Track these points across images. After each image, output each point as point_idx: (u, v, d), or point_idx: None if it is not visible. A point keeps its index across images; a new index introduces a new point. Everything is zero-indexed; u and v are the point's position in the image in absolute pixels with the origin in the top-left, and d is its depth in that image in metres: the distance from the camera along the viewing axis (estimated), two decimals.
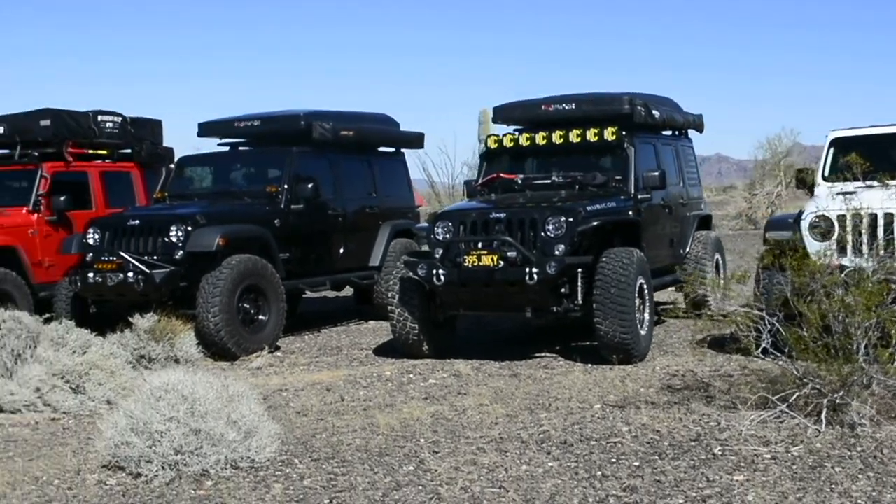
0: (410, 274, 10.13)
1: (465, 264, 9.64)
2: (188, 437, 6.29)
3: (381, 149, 14.07)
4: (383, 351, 11.02)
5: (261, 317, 11.12)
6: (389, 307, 10.30)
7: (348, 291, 14.48)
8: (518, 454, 6.62)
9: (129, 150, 14.11)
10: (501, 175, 11.07)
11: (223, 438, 6.37)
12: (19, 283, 12.00)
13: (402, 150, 14.52)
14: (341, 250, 12.74)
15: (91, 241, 11.20)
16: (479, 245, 9.69)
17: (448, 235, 9.93)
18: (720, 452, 6.50)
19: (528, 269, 9.37)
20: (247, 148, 13.27)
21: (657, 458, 6.43)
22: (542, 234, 9.61)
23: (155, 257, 10.81)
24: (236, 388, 6.75)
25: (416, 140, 14.71)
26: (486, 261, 9.56)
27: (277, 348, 11.30)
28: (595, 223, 9.75)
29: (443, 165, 41.84)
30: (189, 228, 10.76)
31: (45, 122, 13.04)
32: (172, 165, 14.20)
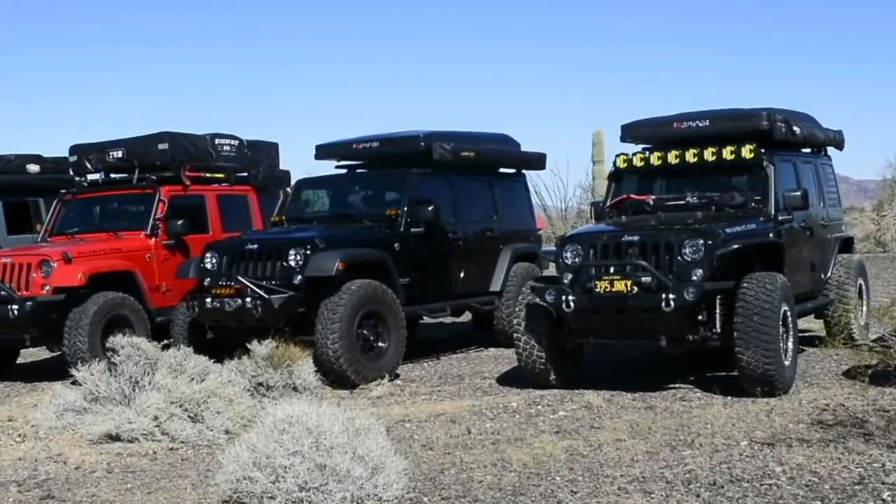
0: (537, 300, 9.66)
1: (597, 290, 9.14)
2: (313, 472, 5.91)
3: (502, 170, 13.63)
4: (507, 380, 10.56)
5: (380, 344, 10.76)
6: (515, 335, 9.85)
7: (465, 317, 14.05)
8: (664, 496, 6.11)
9: (245, 174, 13.97)
10: (632, 196, 10.54)
11: (349, 474, 5.97)
12: (136, 308, 11.85)
13: (523, 171, 14.06)
14: (461, 275, 12.34)
15: (209, 266, 10.99)
16: (612, 270, 9.18)
17: (578, 259, 9.44)
18: (890, 499, 5.88)
19: (664, 296, 8.83)
20: (365, 170, 12.95)
21: (819, 503, 5.85)
22: (679, 258, 9.06)
23: (273, 282, 10.53)
24: (362, 420, 6.35)
25: (538, 161, 14.26)
26: (620, 286, 9.04)
27: (397, 376, 10.93)
28: (735, 246, 9.16)
29: (555, 188, 41.42)
30: (308, 252, 10.46)
31: (163, 146, 12.93)
32: (289, 189, 14.02)
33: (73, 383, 11.19)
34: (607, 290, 9.10)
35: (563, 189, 35.64)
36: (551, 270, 12.00)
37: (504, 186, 13.43)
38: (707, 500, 5.99)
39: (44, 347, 13.08)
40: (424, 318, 12.74)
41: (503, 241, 13.05)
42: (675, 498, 6.06)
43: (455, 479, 6.70)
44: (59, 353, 11.86)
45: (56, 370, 12.48)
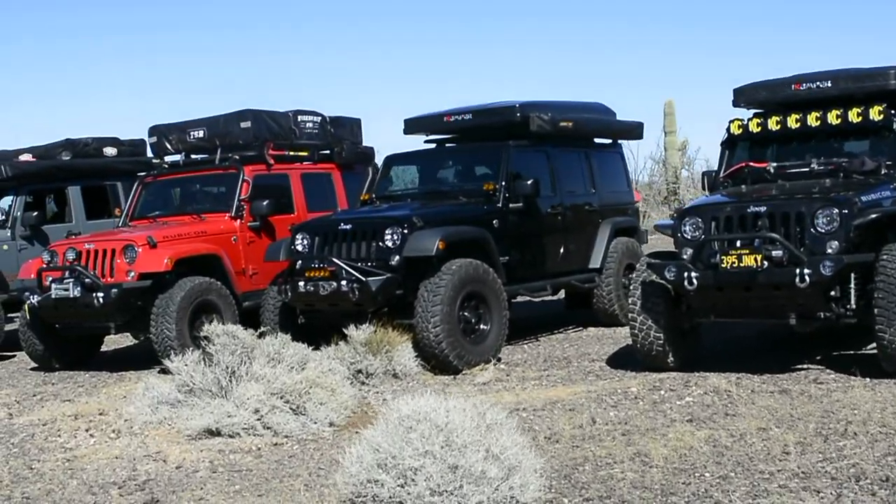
0: (654, 277, 9.01)
1: (723, 266, 8.45)
2: (445, 474, 5.34)
3: (598, 140, 12.95)
4: (619, 362, 9.92)
5: (482, 326, 10.17)
6: (630, 314, 9.21)
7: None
8: (835, 495, 5.46)
9: (328, 151, 13.44)
10: (751, 163, 9.82)
11: (484, 476, 5.39)
12: (224, 293, 11.38)
13: (619, 141, 13.37)
14: (561, 251, 11.70)
15: (300, 248, 10.47)
16: (738, 243, 8.49)
17: (698, 233, 8.77)
18: None
19: (798, 270, 8.13)
20: (456, 144, 12.33)
21: None
22: (812, 229, 8.35)
23: (368, 263, 9.98)
24: (493, 414, 5.77)
25: (636, 130, 13.55)
26: (748, 261, 8.35)
27: (499, 360, 10.33)
28: (873, 216, 8.41)
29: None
30: (405, 231, 9.88)
31: (246, 124, 12.45)
32: (374, 165, 13.50)
33: (161, 372, 10.82)
34: (734, 265, 8.41)
35: (634, 161, 34.68)
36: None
37: (601, 158, 12.75)
38: (886, 500, 5.33)
39: (127, 334, 12.71)
40: (518, 297, 12.11)
41: (602, 216, 12.40)
42: (848, 497, 5.41)
43: (593, 476, 6.10)
44: (145, 340, 11.44)
45: (140, 357, 12.11)
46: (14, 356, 13.42)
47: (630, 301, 9.23)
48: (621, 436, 7.03)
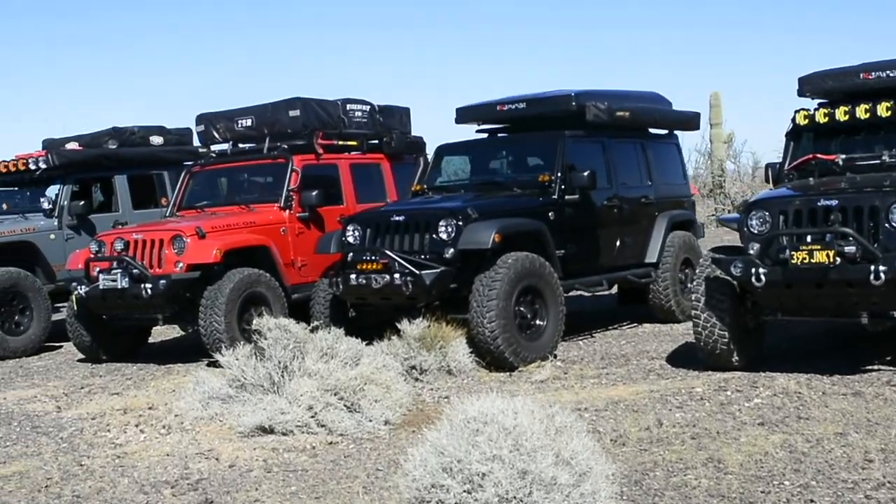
0: (719, 273, 8.70)
1: (793, 261, 8.12)
2: (514, 480, 5.07)
3: (653, 131, 12.61)
4: (680, 360, 9.61)
5: (538, 322, 9.90)
6: (693, 311, 8.89)
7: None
8: None
9: (378, 141, 13.20)
10: (818, 155, 9.47)
11: (555, 482, 5.12)
12: (273, 285, 11.17)
13: (676, 132, 13.02)
14: (617, 245, 11.38)
15: (352, 240, 10.24)
16: (809, 238, 8.15)
17: (766, 227, 8.44)
18: None
19: (872, 267, 7.79)
20: (511, 133, 12.03)
21: None
22: (886, 224, 8.00)
23: (422, 256, 9.73)
24: (563, 417, 5.50)
25: (693, 121, 13.19)
26: (820, 257, 8.01)
27: (555, 356, 10.06)
28: None
29: None
30: (460, 223, 9.62)
31: (295, 113, 12.22)
32: (424, 156, 13.26)
33: (209, 365, 10.66)
34: (805, 261, 8.08)
35: None
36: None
37: (657, 149, 12.41)
38: None
39: (174, 326, 12.56)
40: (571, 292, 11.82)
41: (658, 209, 12.06)
42: None
43: (665, 482, 5.83)
44: (192, 332, 11.27)
45: (188, 350, 11.95)
46: (61, 347, 13.31)
47: (693, 297, 8.92)
48: (691, 439, 6.74)
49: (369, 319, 10.45)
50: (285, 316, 10.48)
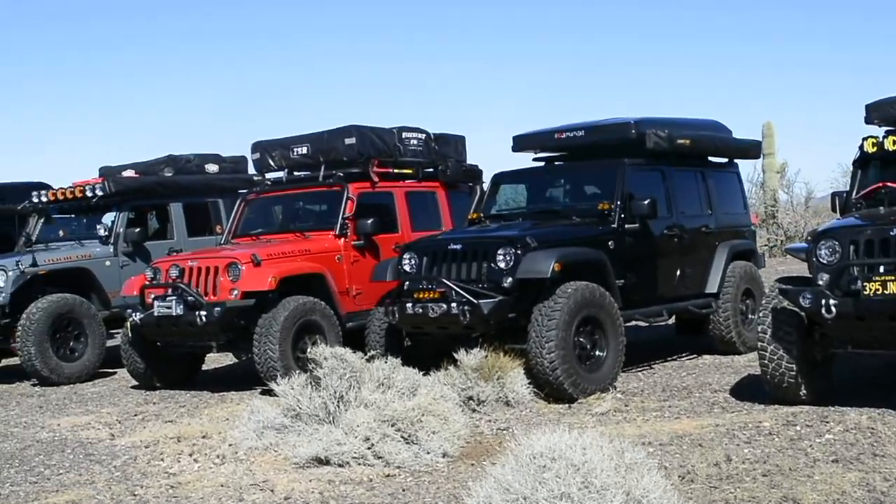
0: (786, 304, 8.45)
1: (865, 293, 7.86)
2: None
3: (713, 159, 12.38)
4: (743, 393, 9.34)
5: (598, 353, 9.69)
6: (759, 343, 8.64)
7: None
8: None
9: (433, 169, 13.09)
10: (888, 183, 9.20)
11: None
12: (327, 314, 11.06)
13: (736, 160, 12.78)
14: (677, 275, 11.15)
15: (408, 268, 10.10)
16: (882, 269, 7.89)
17: (836, 257, 8.18)
18: None
19: None
20: (569, 161, 11.86)
21: None
22: None
23: (479, 285, 9.57)
24: (633, 454, 5.30)
25: (753, 149, 12.96)
26: (893, 288, 7.75)
27: (614, 388, 9.83)
28: None
29: None
30: (519, 252, 9.45)
31: (350, 141, 12.14)
32: (480, 184, 13.13)
33: (263, 393, 10.56)
34: (878, 292, 7.81)
35: None
36: None
37: (717, 177, 12.17)
38: None
39: (228, 353, 12.47)
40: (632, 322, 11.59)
41: (718, 238, 11.81)
42: None
43: None
44: (246, 360, 11.17)
45: (241, 378, 11.87)
46: (115, 373, 13.29)
47: (759, 329, 8.67)
48: (762, 476, 6.49)
49: (425, 349, 10.28)
50: (340, 344, 10.36)
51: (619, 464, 5.17)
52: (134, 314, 11.17)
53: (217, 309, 10.54)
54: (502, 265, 9.49)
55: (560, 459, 5.09)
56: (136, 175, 14.52)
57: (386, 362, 8.30)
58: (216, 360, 13.49)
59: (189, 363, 12.12)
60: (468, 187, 13.50)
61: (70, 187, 13.99)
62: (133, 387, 11.98)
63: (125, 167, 14.92)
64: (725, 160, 12.57)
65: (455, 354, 9.32)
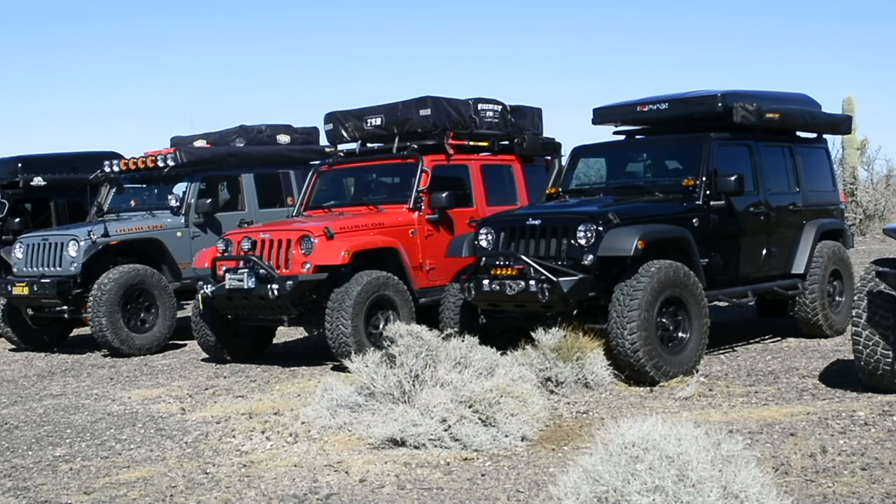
0: (883, 287, 8.03)
1: None
2: None
3: (801, 134, 11.89)
4: (833, 379, 8.94)
5: (681, 334, 9.35)
6: (854, 328, 8.23)
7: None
8: None
9: (509, 142, 12.76)
10: None
11: None
12: (401, 289, 10.83)
13: (825, 136, 12.27)
14: (762, 254, 10.73)
15: (485, 243, 9.82)
16: None
17: None
18: None
19: None
20: (650, 135, 11.47)
21: None
22: None
23: (559, 262, 9.26)
24: (730, 445, 4.98)
25: (843, 124, 12.45)
26: None
27: (697, 371, 9.48)
28: None
29: None
30: (600, 229, 9.12)
31: (425, 112, 11.84)
32: (559, 158, 12.79)
33: (334, 369, 10.39)
34: None
35: None
36: None
37: (805, 153, 11.69)
38: None
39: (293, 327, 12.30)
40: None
41: (805, 217, 11.34)
42: None
43: None
44: (317, 334, 10.98)
45: (310, 352, 11.75)
46: (185, 345, 13.22)
47: (854, 313, 8.25)
48: (861, 470, 6.13)
49: (500, 326, 10.01)
50: (413, 321, 10.17)
51: (716, 456, 4.86)
52: (205, 286, 11.02)
53: (289, 282, 10.36)
54: (583, 242, 9.17)
55: (653, 450, 4.79)
56: (208, 145, 14.40)
57: (463, 341, 8.04)
58: (286, 333, 13.35)
59: (259, 337, 11.97)
60: (544, 161, 13.18)
61: (142, 157, 13.91)
62: (203, 360, 11.88)
63: (196, 137, 14.81)
64: (814, 135, 12.08)
65: (532, 333, 9.03)
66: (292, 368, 10.89)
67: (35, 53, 69.65)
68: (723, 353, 10.62)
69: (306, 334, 12.69)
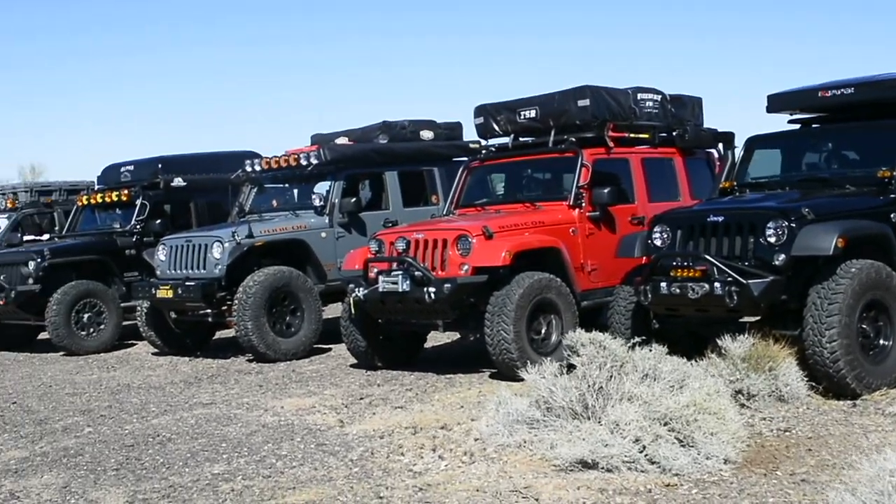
0: None
1: None
2: None
3: None
4: None
5: (882, 342, 8.45)
6: None
7: None
8: None
9: (669, 134, 11.96)
10: None
11: None
12: (564, 291, 10.13)
13: None
14: None
15: (659, 242, 9.07)
16: None
17: None
18: None
19: None
20: (831, 123, 10.53)
21: None
22: None
23: (744, 262, 8.46)
24: None
25: None
26: None
27: None
28: None
29: None
30: (793, 226, 8.29)
31: (584, 103, 11.12)
32: (731, 150, 11.93)
33: (491, 377, 9.81)
34: None
35: None
36: None
37: None
38: None
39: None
40: None
41: None
42: None
43: None
44: (474, 340, 10.34)
45: (460, 357, 11.22)
46: (330, 349, 12.74)
47: None
48: None
49: (676, 333, 9.25)
50: (576, 325, 9.55)
51: None
52: (357, 290, 10.49)
53: (447, 285, 9.76)
54: (773, 240, 8.35)
55: None
56: (350, 143, 13.92)
57: (651, 350, 7.32)
58: (433, 337, 12.75)
59: (410, 341, 11.41)
60: (704, 154, 12.36)
61: (284, 155, 13.50)
62: (352, 365, 11.38)
63: (338, 134, 14.36)
64: None
65: (718, 341, 8.25)
66: (448, 376, 10.30)
67: (164, 53, 70.98)
68: None
69: (457, 337, 12.08)
